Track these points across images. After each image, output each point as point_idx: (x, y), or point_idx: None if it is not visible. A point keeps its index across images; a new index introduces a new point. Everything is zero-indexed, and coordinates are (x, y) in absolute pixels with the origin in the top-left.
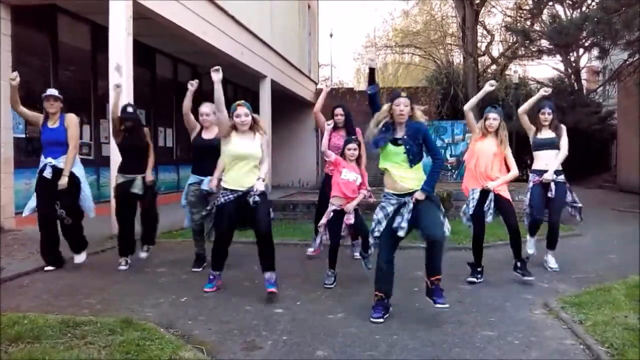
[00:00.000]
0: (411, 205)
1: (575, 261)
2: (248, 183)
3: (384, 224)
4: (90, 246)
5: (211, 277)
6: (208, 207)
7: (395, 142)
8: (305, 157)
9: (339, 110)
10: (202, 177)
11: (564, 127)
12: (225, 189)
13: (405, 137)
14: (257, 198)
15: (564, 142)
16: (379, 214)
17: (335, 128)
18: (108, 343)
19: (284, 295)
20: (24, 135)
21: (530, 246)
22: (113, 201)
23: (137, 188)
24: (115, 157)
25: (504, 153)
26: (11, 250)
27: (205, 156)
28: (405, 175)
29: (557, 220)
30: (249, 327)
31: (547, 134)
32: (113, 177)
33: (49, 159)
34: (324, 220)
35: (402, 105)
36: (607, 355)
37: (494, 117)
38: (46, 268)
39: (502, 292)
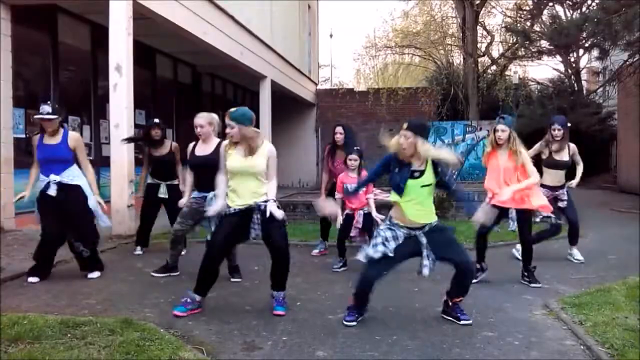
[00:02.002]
0: (425, 241)
1: (575, 262)
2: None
3: (390, 247)
4: None
5: (188, 300)
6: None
7: (412, 175)
8: (305, 157)
9: (339, 129)
10: (205, 194)
11: (573, 147)
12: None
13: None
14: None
15: (579, 159)
16: (385, 232)
17: (335, 148)
18: (108, 343)
19: None
20: (24, 136)
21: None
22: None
23: (162, 193)
24: (116, 157)
25: (519, 165)
26: (11, 251)
27: (202, 173)
28: (420, 211)
29: (576, 217)
30: (249, 327)
31: (563, 155)
32: (113, 177)
33: (52, 176)
34: (337, 224)
35: (403, 137)
36: (607, 356)
37: (502, 129)
38: (30, 279)
39: (502, 292)
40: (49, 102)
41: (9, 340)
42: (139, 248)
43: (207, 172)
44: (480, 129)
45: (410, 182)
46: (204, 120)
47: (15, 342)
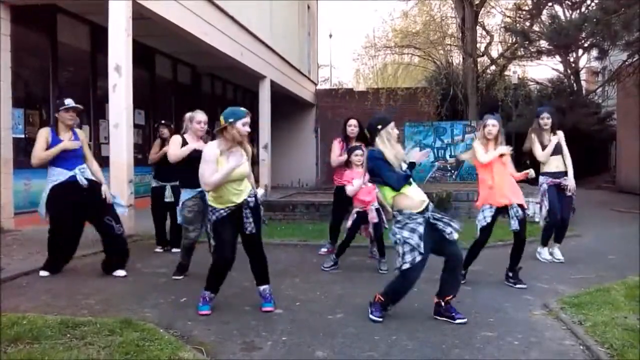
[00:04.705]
0: (437, 216)
1: (574, 262)
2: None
3: (422, 247)
4: (90, 247)
5: (208, 298)
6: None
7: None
8: (304, 157)
9: (353, 122)
10: (198, 190)
11: (561, 133)
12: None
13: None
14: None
15: (565, 148)
16: (413, 239)
17: (347, 139)
18: (107, 343)
19: (283, 296)
20: (23, 136)
21: (545, 255)
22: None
23: (168, 197)
24: (115, 158)
25: (505, 161)
26: (10, 251)
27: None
28: (420, 191)
29: (569, 216)
30: (248, 327)
31: (552, 139)
32: (112, 178)
33: (80, 168)
34: (349, 223)
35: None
36: (606, 356)
37: (492, 124)
38: (42, 273)
39: (502, 292)
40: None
41: (9, 340)
42: (159, 248)
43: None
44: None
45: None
46: (206, 117)
47: (14, 343)
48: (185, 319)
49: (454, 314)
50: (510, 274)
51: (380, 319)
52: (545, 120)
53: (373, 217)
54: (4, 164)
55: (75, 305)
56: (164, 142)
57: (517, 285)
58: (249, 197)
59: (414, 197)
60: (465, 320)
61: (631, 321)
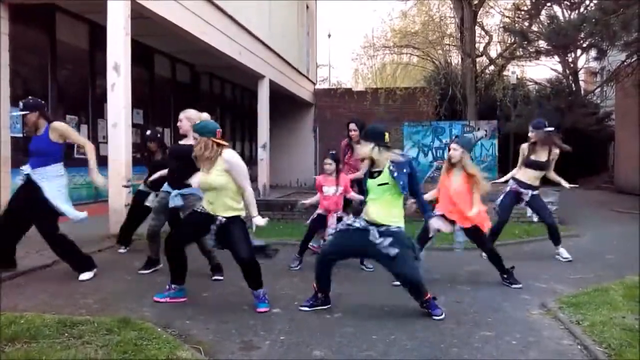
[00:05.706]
0: (377, 237)
1: (573, 261)
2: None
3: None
4: (88, 246)
5: (167, 286)
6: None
7: (372, 175)
8: (303, 157)
9: (352, 126)
10: (170, 190)
11: (557, 153)
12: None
13: (390, 168)
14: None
15: (551, 168)
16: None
17: (351, 143)
18: (105, 343)
19: (281, 296)
20: (21, 135)
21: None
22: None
23: (149, 202)
24: (113, 157)
25: (470, 189)
26: None
27: (177, 165)
28: (377, 210)
29: (552, 221)
30: (246, 326)
31: (542, 156)
32: (111, 177)
33: (25, 167)
34: (309, 221)
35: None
36: (604, 356)
37: (453, 147)
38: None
39: (500, 292)
40: (23, 100)
41: (7, 339)
42: (122, 248)
43: (181, 163)
44: (478, 129)
45: (369, 181)
46: (182, 114)
47: (12, 342)
48: (184, 318)
49: (430, 309)
50: (505, 276)
51: (304, 308)
52: (529, 134)
53: (331, 223)
54: (3, 162)
55: (73, 305)
56: (152, 156)
57: (513, 285)
58: (221, 216)
59: (366, 211)
60: (442, 317)
61: (629, 321)
